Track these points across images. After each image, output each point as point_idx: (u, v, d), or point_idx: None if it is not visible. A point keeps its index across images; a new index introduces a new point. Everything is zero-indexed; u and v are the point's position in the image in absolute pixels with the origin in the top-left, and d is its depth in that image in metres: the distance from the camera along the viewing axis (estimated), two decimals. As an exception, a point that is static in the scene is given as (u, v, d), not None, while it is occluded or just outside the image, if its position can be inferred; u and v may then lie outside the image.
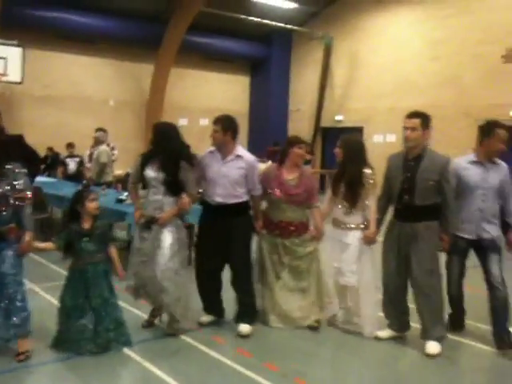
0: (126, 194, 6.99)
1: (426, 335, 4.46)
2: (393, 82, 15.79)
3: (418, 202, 4.36)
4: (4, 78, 13.16)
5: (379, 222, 4.72)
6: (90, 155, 9.61)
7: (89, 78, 15.86)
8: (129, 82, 16.71)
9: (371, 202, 4.70)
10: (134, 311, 5.03)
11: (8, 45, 13.13)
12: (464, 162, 4.66)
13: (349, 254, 4.70)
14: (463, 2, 14.29)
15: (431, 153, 4.43)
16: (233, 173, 4.65)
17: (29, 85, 14.11)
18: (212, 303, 4.96)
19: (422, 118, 4.39)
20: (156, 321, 4.82)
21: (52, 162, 13.45)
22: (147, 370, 3.97)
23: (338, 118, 17.43)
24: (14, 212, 3.90)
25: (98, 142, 9.31)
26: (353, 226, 4.73)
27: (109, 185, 8.98)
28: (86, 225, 4.18)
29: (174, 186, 4.50)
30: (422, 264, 4.37)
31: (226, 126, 4.63)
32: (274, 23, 16.94)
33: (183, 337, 4.59)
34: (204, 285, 4.87)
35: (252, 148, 18.39)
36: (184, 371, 3.97)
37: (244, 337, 4.61)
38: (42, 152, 13.40)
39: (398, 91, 15.55)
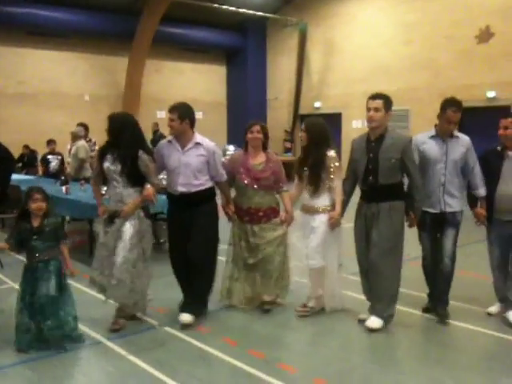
0: (105, 188, 6.93)
1: (373, 310, 4.58)
2: (368, 67, 15.83)
3: (382, 181, 4.43)
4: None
5: (344, 204, 4.78)
6: (70, 150, 9.51)
7: (63, 74, 15.67)
8: (103, 76, 16.53)
9: (336, 184, 4.73)
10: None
11: (-22, 42, 12.89)
12: (423, 137, 4.75)
13: (314, 237, 4.73)
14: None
15: (392, 133, 4.51)
16: (193, 161, 4.60)
17: (2, 83, 13.95)
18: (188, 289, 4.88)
19: (385, 100, 4.46)
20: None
21: (29, 160, 13.28)
22: (132, 363, 3.96)
23: (317, 104, 17.44)
24: None
25: (75, 137, 9.20)
26: (319, 209, 4.75)
27: (88, 180, 8.89)
28: (35, 223, 4.16)
29: (133, 177, 4.44)
30: (380, 242, 4.45)
31: (182, 113, 4.56)
32: (248, 11, 16.85)
33: (168, 328, 4.60)
34: (178, 273, 4.85)
35: (232, 138, 18.42)
36: (170, 363, 3.97)
37: (185, 326, 4.56)
38: (17, 150, 13.28)
39: (374, 76, 15.59)
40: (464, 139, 4.70)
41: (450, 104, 4.60)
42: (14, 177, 9.46)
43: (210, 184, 4.73)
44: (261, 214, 4.89)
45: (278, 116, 18.26)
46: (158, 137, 15.04)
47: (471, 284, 5.73)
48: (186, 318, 4.61)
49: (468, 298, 5.21)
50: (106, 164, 4.49)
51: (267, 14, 17.53)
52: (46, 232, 4.16)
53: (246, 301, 5.03)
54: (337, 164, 4.73)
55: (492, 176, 4.64)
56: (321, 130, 4.80)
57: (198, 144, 4.64)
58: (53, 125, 14.55)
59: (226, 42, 18.69)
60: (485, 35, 13.41)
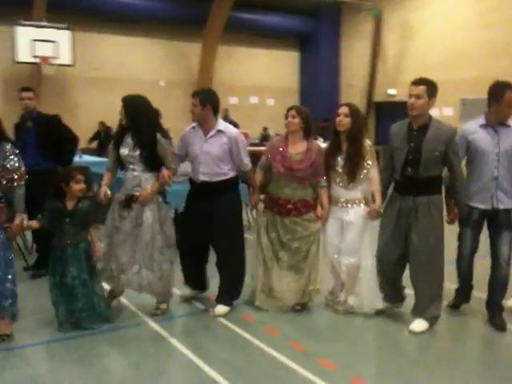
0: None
1: (418, 312, 4.30)
2: (445, 53, 15.15)
3: (422, 174, 4.13)
4: (56, 61, 13.47)
5: (383, 194, 4.50)
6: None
7: (137, 59, 16.04)
8: (177, 62, 16.79)
9: (373, 174, 4.47)
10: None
11: (58, 28, 13.43)
12: (473, 126, 4.38)
13: (352, 233, 4.47)
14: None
15: (437, 123, 4.18)
16: (215, 149, 4.44)
17: (79, 67, 14.41)
18: (194, 278, 4.85)
19: (428, 85, 4.12)
20: (115, 302, 4.69)
21: (106, 137, 13.13)
22: (173, 346, 3.99)
23: (391, 91, 16.92)
24: (5, 193, 3.91)
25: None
26: (355, 201, 4.49)
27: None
28: (69, 205, 4.11)
29: (152, 162, 4.34)
30: (423, 239, 4.16)
31: (203, 99, 4.39)
32: (322, -4, 16.56)
33: (223, 320, 4.54)
34: (187, 259, 4.73)
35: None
36: (209, 349, 3.97)
37: (218, 317, 4.49)
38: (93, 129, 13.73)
39: (451, 62, 14.91)
40: None
41: (507, 86, 4.21)
42: (87, 158, 9.88)
43: (232, 174, 4.56)
44: (290, 206, 4.56)
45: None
46: (228, 122, 15.19)
47: None
48: (221, 309, 4.57)
49: None
50: (123, 150, 4.38)
51: (342, -1, 17.15)
52: (79, 215, 4.12)
53: (274, 299, 4.69)
54: (373, 153, 4.48)
55: None
56: (363, 117, 4.55)
57: (220, 131, 4.45)
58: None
59: (298, 28, 18.47)
60: None
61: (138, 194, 4.35)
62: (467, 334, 4.54)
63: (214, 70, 16.58)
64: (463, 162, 4.38)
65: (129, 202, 4.37)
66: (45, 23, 13.26)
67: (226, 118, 15.09)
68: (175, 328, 4.33)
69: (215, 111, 4.47)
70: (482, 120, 4.36)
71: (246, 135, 12.28)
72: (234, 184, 4.62)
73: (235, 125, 15.79)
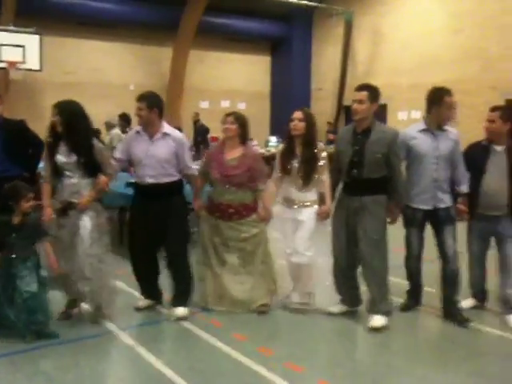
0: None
1: (372, 309, 4.44)
2: (416, 57, 15.33)
3: (366, 175, 4.32)
4: (23, 66, 13.25)
5: (332, 196, 4.66)
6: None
7: (108, 64, 15.90)
8: (148, 66, 16.68)
9: (326, 177, 4.60)
10: (133, 293, 5.03)
11: (25, 32, 13.21)
12: (413, 131, 4.61)
13: (303, 231, 4.57)
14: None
15: (380, 126, 4.41)
16: (161, 151, 4.46)
17: (49, 72, 14.20)
18: (148, 287, 4.81)
19: (370, 91, 4.34)
20: (76, 310, 4.59)
21: None
22: (138, 354, 3.92)
23: (362, 95, 17.06)
24: None
25: (109, 126, 9.33)
26: (308, 203, 4.60)
27: (123, 169, 8.98)
28: (16, 219, 4.04)
29: (90, 168, 4.28)
30: (368, 237, 4.33)
31: (150, 103, 4.44)
32: (293, 1, 16.61)
33: (181, 321, 4.55)
34: (139, 268, 4.72)
35: (275, 129, 18.27)
36: (176, 355, 3.94)
37: (181, 319, 4.50)
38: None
39: (422, 66, 15.10)
40: (453, 132, 4.58)
41: (445, 91, 4.51)
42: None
43: (178, 176, 4.60)
44: (231, 210, 4.64)
45: (322, 107, 17.95)
46: (199, 126, 15.12)
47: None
48: (181, 311, 4.56)
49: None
50: (60, 157, 4.27)
51: (313, 3, 17.22)
52: (26, 229, 4.04)
53: (223, 302, 4.73)
54: (325, 156, 4.63)
55: (477, 171, 4.54)
56: (315, 121, 4.65)
57: (166, 134, 4.51)
58: (98, 114, 14.74)
59: (270, 32, 18.51)
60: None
61: (76, 201, 4.27)
62: (427, 329, 4.66)
63: (186, 74, 16.52)
64: (403, 166, 4.59)
65: (66, 209, 4.26)
66: (12, 27, 13.05)
67: (198, 122, 15.05)
68: (142, 336, 4.27)
69: (161, 114, 4.53)
70: (421, 125, 4.58)
71: (215, 139, 12.26)
72: (180, 186, 4.65)
73: (206, 129, 15.81)
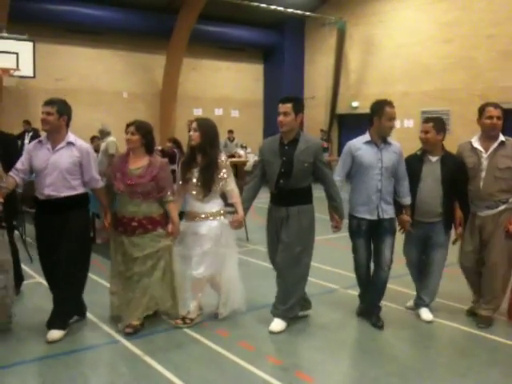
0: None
1: (274, 312, 4.60)
2: (407, 66, 15.51)
3: (294, 185, 4.41)
4: (16, 73, 13.18)
5: (248, 206, 4.67)
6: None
7: (101, 71, 15.87)
8: (141, 74, 16.68)
9: (232, 187, 4.59)
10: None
11: (19, 39, 13.14)
12: (358, 143, 4.67)
13: (202, 244, 4.50)
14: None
15: (305, 136, 4.50)
16: (64, 161, 4.23)
17: (41, 79, 14.14)
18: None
19: (294, 103, 4.43)
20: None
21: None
22: (147, 364, 3.91)
23: (355, 104, 17.18)
24: None
25: (103, 133, 9.32)
26: (210, 215, 4.53)
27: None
28: None
29: None
30: (289, 247, 4.44)
31: (61, 109, 4.24)
32: (285, 9, 16.72)
33: (186, 330, 4.55)
34: (49, 281, 4.51)
35: (268, 137, 18.24)
36: (184, 365, 3.90)
37: (52, 342, 4.21)
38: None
39: (412, 75, 15.30)
40: (396, 146, 4.67)
41: (386, 103, 4.57)
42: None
43: (82, 189, 4.38)
44: (134, 224, 4.41)
45: (315, 115, 18.05)
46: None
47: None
48: (54, 335, 4.27)
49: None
50: None
51: (305, 13, 17.35)
52: None
53: (117, 319, 4.59)
54: (229, 167, 4.61)
55: (413, 180, 4.71)
56: (214, 131, 4.57)
57: (70, 143, 4.29)
58: (90, 121, 14.72)
59: (263, 41, 18.61)
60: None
61: None
62: (448, 343, 4.63)
63: (179, 82, 16.53)
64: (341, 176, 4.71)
65: None
66: (5, 34, 12.98)
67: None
68: (148, 346, 4.24)
69: (68, 123, 4.34)
70: (366, 137, 4.66)
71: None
72: (83, 200, 4.44)
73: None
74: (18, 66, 13.05)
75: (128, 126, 4.48)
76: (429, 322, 4.79)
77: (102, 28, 15.46)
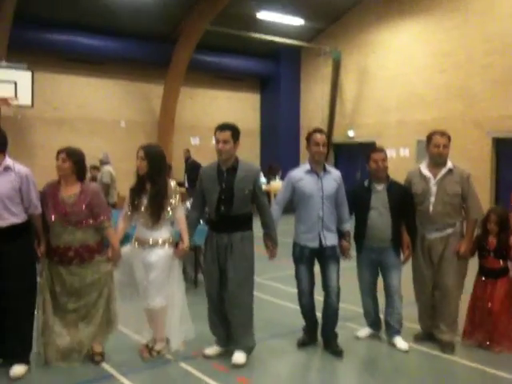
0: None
1: (235, 344, 4.54)
2: (402, 96, 15.64)
3: (235, 212, 4.42)
4: (15, 102, 13.23)
5: (192, 233, 4.69)
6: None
7: (99, 100, 15.93)
8: (139, 103, 16.77)
9: (180, 214, 4.57)
10: (132, 336, 4.94)
11: (17, 68, 13.20)
12: (299, 173, 4.79)
13: (155, 274, 4.41)
14: (467, 12, 14.08)
15: (244, 164, 4.55)
16: (3, 187, 4.07)
17: (39, 107, 14.18)
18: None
19: (233, 131, 4.51)
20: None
21: None
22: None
23: (351, 133, 17.28)
24: None
25: (101, 162, 9.34)
26: (159, 242, 4.46)
27: (113, 206, 8.96)
28: None
29: None
30: (235, 275, 4.42)
31: None
32: (281, 40, 16.94)
33: (183, 364, 4.48)
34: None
35: (265, 166, 18.32)
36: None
37: (16, 379, 4.07)
38: (53, 175, 13.43)
39: (408, 104, 15.41)
40: (336, 173, 4.82)
41: (315, 130, 4.76)
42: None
43: (24, 217, 4.21)
44: (71, 254, 4.29)
45: (311, 144, 18.12)
46: (190, 164, 15.11)
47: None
48: (18, 370, 4.17)
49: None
50: None
51: (301, 43, 17.57)
52: None
53: (62, 355, 4.37)
54: (178, 194, 4.57)
55: (363, 208, 4.87)
56: (161, 158, 4.57)
57: (8, 168, 4.15)
58: (89, 151, 14.69)
59: (259, 70, 18.78)
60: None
61: None
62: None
63: (176, 110, 16.63)
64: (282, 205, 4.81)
65: None
66: (4, 63, 13.07)
67: (189, 159, 15.05)
68: (143, 381, 4.18)
69: (3, 148, 4.21)
70: (306, 166, 4.77)
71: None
72: (25, 228, 4.25)
73: (198, 165, 15.78)
74: (16, 95, 13.12)
75: (59, 152, 4.36)
76: (406, 352, 4.78)
77: (101, 57, 15.56)
